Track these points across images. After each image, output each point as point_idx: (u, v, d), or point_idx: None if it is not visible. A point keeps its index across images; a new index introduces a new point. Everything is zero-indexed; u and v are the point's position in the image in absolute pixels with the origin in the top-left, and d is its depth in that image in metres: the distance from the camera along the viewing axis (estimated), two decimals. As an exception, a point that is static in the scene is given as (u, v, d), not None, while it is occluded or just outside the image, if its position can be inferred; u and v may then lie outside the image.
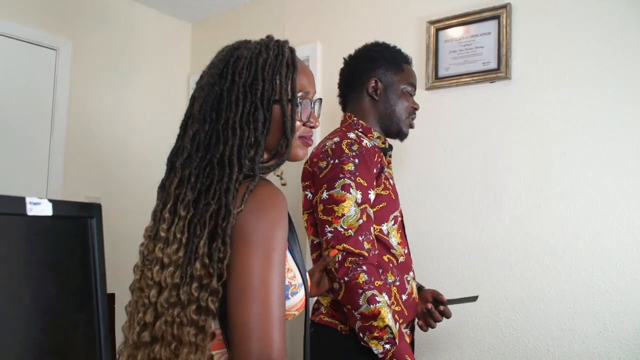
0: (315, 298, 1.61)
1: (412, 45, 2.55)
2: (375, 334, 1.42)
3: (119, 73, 3.28)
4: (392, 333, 1.42)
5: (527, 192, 2.17)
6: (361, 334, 1.44)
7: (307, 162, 1.61)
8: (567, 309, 2.05)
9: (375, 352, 1.43)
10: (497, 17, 2.26)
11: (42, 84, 2.92)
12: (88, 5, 3.13)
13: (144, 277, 1.00)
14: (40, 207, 0.86)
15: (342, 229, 1.46)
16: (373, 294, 1.42)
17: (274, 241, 0.93)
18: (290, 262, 1.05)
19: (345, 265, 1.44)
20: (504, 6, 2.24)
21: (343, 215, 1.47)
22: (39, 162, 2.89)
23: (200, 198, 0.95)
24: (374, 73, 1.75)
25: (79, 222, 0.98)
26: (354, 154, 1.53)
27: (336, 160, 1.52)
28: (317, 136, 2.83)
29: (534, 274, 2.13)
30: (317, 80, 2.92)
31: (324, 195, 1.51)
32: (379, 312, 1.41)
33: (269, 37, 1.18)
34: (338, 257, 1.45)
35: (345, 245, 1.45)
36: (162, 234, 0.97)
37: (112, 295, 2.50)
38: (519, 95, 2.22)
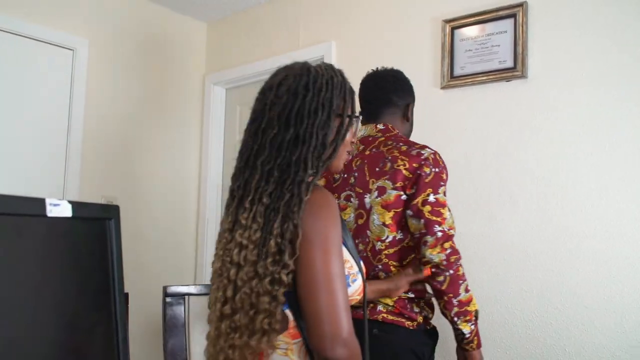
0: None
1: (428, 44, 2.55)
2: (467, 317, 1.68)
3: (135, 72, 3.30)
4: (477, 315, 1.70)
5: (543, 192, 2.16)
6: (455, 319, 1.67)
7: (398, 164, 1.71)
8: (585, 308, 2.03)
9: (465, 332, 1.68)
10: (514, 16, 2.25)
11: (59, 84, 2.95)
12: (105, 6, 3.16)
13: (224, 262, 1.15)
14: (59, 209, 0.86)
15: (447, 229, 1.67)
16: (467, 284, 1.69)
17: (330, 238, 1.08)
18: (346, 254, 1.19)
19: (451, 260, 1.66)
20: (520, 4, 2.22)
21: (446, 218, 1.68)
22: (56, 161, 2.92)
23: (276, 190, 1.10)
24: (411, 98, 1.96)
25: (97, 223, 0.99)
26: (444, 165, 1.74)
27: (437, 169, 1.70)
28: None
29: (551, 273, 2.12)
30: (331, 80, 2.92)
31: (431, 198, 1.67)
32: (472, 298, 1.69)
33: (328, 64, 1.31)
34: (443, 256, 1.66)
35: (451, 243, 1.68)
36: (243, 221, 1.12)
37: (126, 295, 2.52)
38: (535, 93, 2.21)
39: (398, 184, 1.69)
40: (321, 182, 1.83)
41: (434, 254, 1.65)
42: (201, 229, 3.57)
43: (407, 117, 1.93)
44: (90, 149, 3.05)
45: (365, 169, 1.76)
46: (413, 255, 1.73)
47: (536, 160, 2.19)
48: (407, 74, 2.58)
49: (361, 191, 1.75)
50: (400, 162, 1.70)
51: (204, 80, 3.69)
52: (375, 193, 1.72)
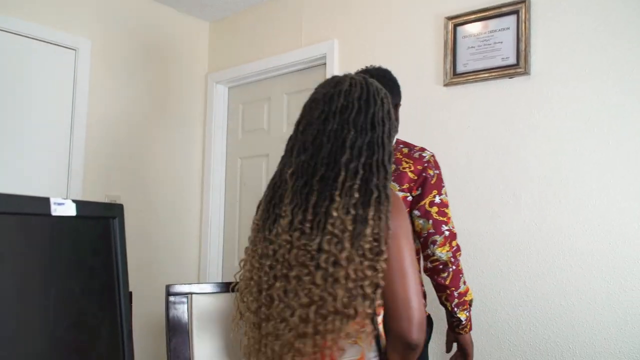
0: None
1: (430, 42, 2.54)
2: (465, 307, 1.82)
3: (138, 72, 3.31)
4: (471, 303, 1.85)
5: (546, 189, 2.15)
6: (455, 309, 1.81)
7: (403, 166, 1.81)
8: (588, 305, 2.03)
9: (462, 319, 1.83)
10: (516, 12, 2.24)
11: (62, 83, 2.95)
12: (107, 5, 3.16)
13: (298, 254, 1.18)
14: (64, 208, 0.87)
15: (452, 228, 1.80)
16: (464, 276, 1.84)
17: (409, 232, 1.23)
18: None
19: (457, 257, 1.80)
20: (523, 1, 2.22)
21: (450, 217, 1.81)
22: (60, 161, 2.92)
23: (363, 187, 1.18)
24: (399, 98, 2.02)
25: (102, 222, 0.99)
26: (439, 166, 1.87)
27: (438, 171, 1.84)
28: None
29: (554, 271, 2.11)
30: (334, 78, 2.92)
31: (437, 199, 1.79)
32: (468, 289, 1.85)
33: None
34: (450, 254, 1.78)
35: (456, 241, 1.81)
36: (334, 213, 1.17)
37: (130, 294, 2.53)
38: (539, 90, 2.20)
39: (405, 186, 1.78)
40: None
41: (443, 252, 1.77)
42: (204, 228, 3.57)
43: (396, 117, 1.91)
44: (93, 148, 3.05)
45: None
46: None
47: (539, 158, 2.18)
48: (410, 72, 2.60)
49: None
50: (405, 165, 1.81)
51: (206, 79, 3.70)
52: None
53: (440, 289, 1.82)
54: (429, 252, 1.78)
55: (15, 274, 0.81)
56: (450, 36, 2.44)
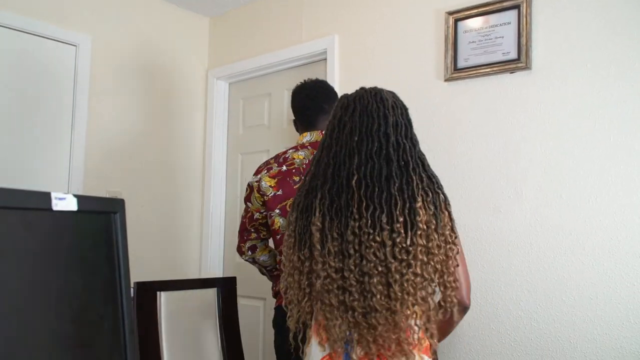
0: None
1: (431, 37, 2.54)
2: None
3: (138, 68, 3.31)
4: None
5: (548, 183, 2.15)
6: None
7: None
8: (590, 300, 2.03)
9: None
10: (517, 7, 2.24)
11: (63, 79, 2.95)
12: (107, 1, 3.15)
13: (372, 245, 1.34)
14: (65, 202, 0.87)
15: None
16: None
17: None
18: None
19: None
20: (524, -5, 2.21)
21: None
22: (61, 157, 2.93)
23: (429, 189, 1.41)
24: None
25: (103, 217, 0.99)
26: None
27: None
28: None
29: (556, 265, 2.11)
30: (334, 74, 2.92)
31: None
32: None
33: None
34: None
35: None
36: (421, 212, 1.36)
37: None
38: (540, 85, 2.20)
39: None
40: (272, 182, 2.06)
41: None
42: (205, 223, 3.58)
43: None
44: (94, 144, 3.05)
45: None
46: None
47: (540, 153, 2.18)
48: (410, 67, 2.60)
49: None
50: None
51: (207, 74, 3.69)
52: None
53: None
54: None
55: (15, 268, 0.81)
56: (451, 31, 2.43)
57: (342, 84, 2.89)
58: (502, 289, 2.25)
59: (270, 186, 2.05)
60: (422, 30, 2.58)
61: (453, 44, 2.43)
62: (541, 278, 2.15)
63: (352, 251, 1.35)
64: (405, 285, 1.32)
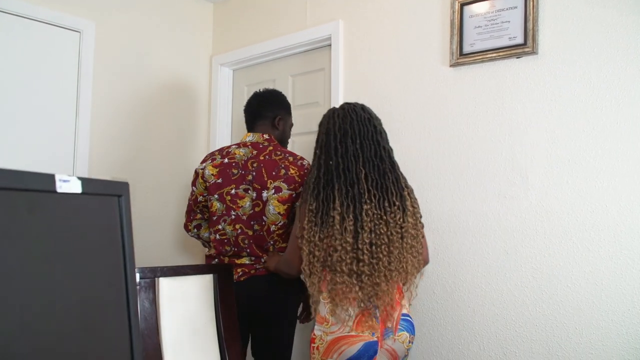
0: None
1: (436, 21, 2.52)
2: None
3: (142, 54, 3.30)
4: None
5: (554, 169, 2.14)
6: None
7: (291, 172, 2.33)
8: (595, 287, 2.02)
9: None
10: (524, -9, 2.21)
11: (67, 66, 2.94)
12: (110, -13, 3.14)
13: (381, 227, 1.82)
14: (69, 185, 0.86)
15: None
16: None
17: None
18: None
19: None
20: (531, -21, 2.19)
21: None
22: (65, 143, 2.93)
23: (406, 182, 1.96)
24: (281, 112, 2.53)
25: (107, 200, 0.99)
26: None
27: None
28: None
29: (561, 251, 2.11)
30: (339, 60, 2.91)
31: None
32: None
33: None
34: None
35: None
36: (408, 199, 1.90)
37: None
38: (546, 70, 2.18)
39: (291, 186, 2.30)
40: (214, 171, 2.36)
41: None
42: (210, 211, 3.58)
43: (276, 126, 2.50)
44: (98, 130, 3.05)
45: (263, 171, 2.32)
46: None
47: (546, 138, 2.17)
48: (415, 52, 2.58)
49: (259, 187, 2.31)
50: (292, 171, 2.32)
51: (211, 61, 3.68)
52: (272, 190, 2.30)
53: None
54: None
55: (20, 250, 0.81)
56: (457, 16, 2.41)
57: (347, 70, 2.88)
58: (507, 275, 2.24)
59: (212, 174, 2.36)
60: (427, 15, 2.56)
61: (459, 28, 2.41)
62: (546, 264, 2.14)
63: (366, 228, 1.79)
64: (401, 250, 1.83)
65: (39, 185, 0.82)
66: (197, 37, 3.65)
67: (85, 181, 0.90)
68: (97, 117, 3.04)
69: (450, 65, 2.44)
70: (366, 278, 1.77)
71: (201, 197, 2.44)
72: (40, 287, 0.84)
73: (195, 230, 2.55)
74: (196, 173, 2.43)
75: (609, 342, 1.98)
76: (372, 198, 1.81)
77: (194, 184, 2.46)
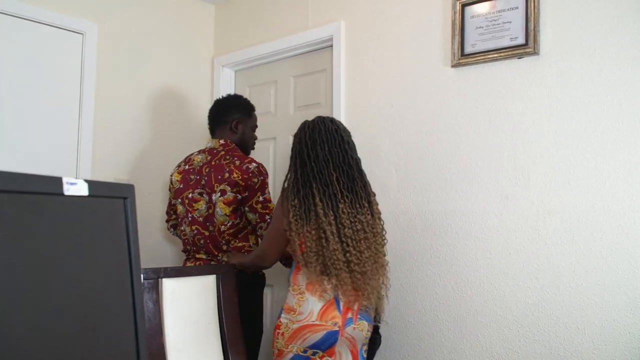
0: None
1: (438, 22, 2.52)
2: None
3: (144, 55, 3.30)
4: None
5: (556, 169, 2.15)
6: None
7: (234, 175, 2.46)
8: (597, 286, 2.03)
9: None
10: (525, -9, 2.22)
11: (70, 68, 2.95)
12: (112, -11, 3.15)
13: (358, 225, 2.04)
14: (76, 187, 0.87)
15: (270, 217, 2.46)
16: None
17: None
18: None
19: None
20: (532, -20, 2.19)
21: (272, 209, 2.47)
22: (68, 145, 2.93)
23: (373, 192, 2.19)
24: (239, 116, 2.68)
25: (113, 202, 0.99)
26: (266, 173, 2.55)
27: (262, 177, 2.50)
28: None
29: (563, 252, 2.11)
30: (340, 61, 2.91)
31: (260, 198, 2.49)
32: None
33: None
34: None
35: None
36: (374, 202, 2.15)
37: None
38: (548, 70, 2.19)
39: (235, 189, 2.45)
40: (178, 177, 2.64)
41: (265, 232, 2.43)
42: (212, 211, 3.58)
43: (234, 130, 2.65)
44: (101, 132, 3.06)
45: (212, 175, 2.51)
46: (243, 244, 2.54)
47: (548, 138, 2.17)
48: (417, 53, 2.59)
49: (209, 191, 2.51)
50: (235, 175, 2.46)
51: (213, 62, 3.69)
52: (219, 193, 2.48)
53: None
54: (258, 233, 2.53)
55: (27, 252, 0.82)
56: (458, 16, 2.42)
57: (348, 70, 2.88)
58: (509, 274, 2.25)
59: (177, 180, 2.64)
60: (428, 16, 2.57)
61: (460, 29, 2.41)
62: (548, 264, 2.15)
63: (345, 223, 2.00)
64: (375, 246, 2.07)
65: (47, 188, 0.83)
66: (199, 39, 3.65)
67: (91, 184, 0.91)
68: (100, 119, 3.05)
69: (452, 66, 2.45)
70: (355, 266, 1.98)
71: (173, 200, 2.71)
72: (47, 289, 0.85)
73: (172, 229, 2.85)
74: (169, 179, 2.74)
75: (612, 342, 1.99)
76: (345, 199, 2.02)
77: (168, 189, 2.78)
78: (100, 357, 0.96)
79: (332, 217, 1.99)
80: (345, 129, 2.18)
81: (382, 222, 2.13)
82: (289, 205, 2.06)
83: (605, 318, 2.01)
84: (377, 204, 2.16)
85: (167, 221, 2.84)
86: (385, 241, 2.14)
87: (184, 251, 2.68)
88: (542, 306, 2.15)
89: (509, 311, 2.24)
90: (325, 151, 2.07)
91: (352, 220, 2.01)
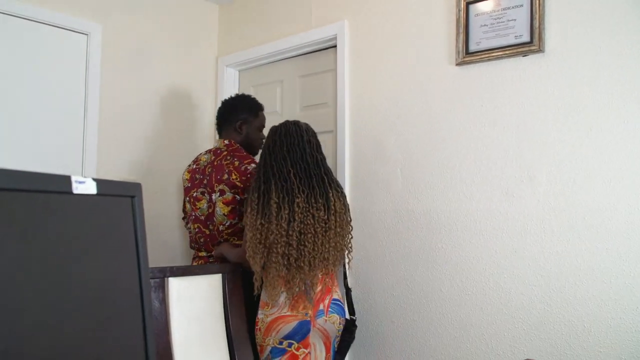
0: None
1: (442, 20, 2.52)
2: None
3: (148, 56, 3.31)
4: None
5: (561, 167, 2.14)
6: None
7: (232, 177, 2.51)
8: (603, 284, 2.02)
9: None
10: (530, -11, 2.21)
11: (75, 68, 2.96)
12: (117, -11, 3.16)
13: (316, 216, 2.16)
14: (85, 186, 0.88)
15: None
16: None
17: None
18: None
19: None
20: (537, -23, 2.19)
21: None
22: (74, 145, 2.95)
23: (334, 182, 2.29)
24: (245, 116, 2.72)
25: (121, 201, 1.00)
26: None
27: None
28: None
29: (569, 250, 2.11)
30: (344, 60, 2.91)
31: None
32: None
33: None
34: None
35: None
36: (332, 198, 2.21)
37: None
38: (553, 68, 2.18)
39: (233, 190, 2.50)
40: (187, 176, 2.71)
41: None
42: (217, 211, 3.59)
43: (238, 131, 2.71)
44: (106, 132, 3.07)
45: (213, 175, 2.56)
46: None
47: (553, 136, 2.17)
48: (421, 51, 2.59)
49: (210, 190, 2.56)
50: (234, 176, 2.51)
51: (217, 62, 3.70)
52: (218, 193, 2.53)
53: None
54: None
55: (36, 250, 0.82)
56: (462, 14, 2.42)
57: (352, 69, 2.88)
58: (514, 273, 2.25)
59: (186, 179, 2.72)
60: (433, 14, 2.57)
61: (465, 27, 2.41)
62: (554, 262, 2.14)
63: (297, 217, 2.11)
64: (324, 242, 2.15)
65: (56, 186, 0.84)
66: (203, 39, 3.66)
67: (100, 182, 0.92)
68: (104, 119, 3.06)
69: (457, 64, 2.44)
70: (293, 260, 2.10)
71: (184, 198, 2.78)
72: (56, 287, 0.85)
73: (186, 226, 2.87)
74: (182, 177, 2.81)
75: (618, 340, 1.98)
76: (301, 193, 2.14)
77: (183, 187, 2.83)
78: (108, 355, 0.97)
79: (287, 212, 2.11)
80: (308, 130, 2.34)
81: (342, 219, 2.24)
82: (249, 200, 2.19)
83: (611, 317, 2.00)
84: (341, 200, 2.25)
85: (183, 218, 2.90)
86: (350, 236, 2.28)
87: (191, 248, 2.75)
88: (548, 305, 2.15)
89: (514, 310, 2.24)
90: (284, 150, 2.23)
91: (305, 214, 2.12)
